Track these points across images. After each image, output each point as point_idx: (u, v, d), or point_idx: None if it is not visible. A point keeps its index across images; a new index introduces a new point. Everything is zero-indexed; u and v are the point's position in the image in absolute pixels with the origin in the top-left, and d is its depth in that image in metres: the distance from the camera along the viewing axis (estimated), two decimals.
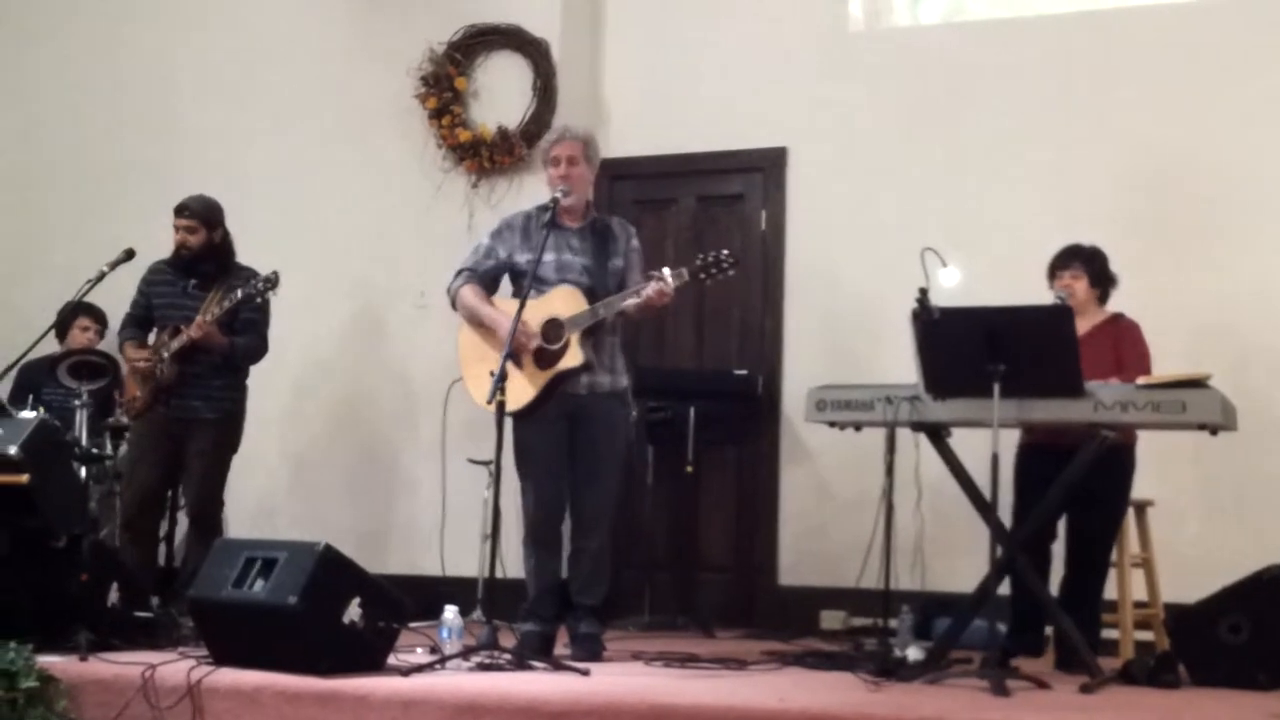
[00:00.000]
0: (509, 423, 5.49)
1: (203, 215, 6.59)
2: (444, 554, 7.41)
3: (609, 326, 5.68)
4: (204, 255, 6.60)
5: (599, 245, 5.72)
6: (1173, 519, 6.41)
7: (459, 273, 5.86)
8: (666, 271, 5.50)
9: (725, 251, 5.60)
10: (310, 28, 8.39)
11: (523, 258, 5.75)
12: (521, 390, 5.55)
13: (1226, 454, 6.13)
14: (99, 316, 7.60)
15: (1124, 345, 5.81)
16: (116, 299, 6.93)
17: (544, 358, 5.57)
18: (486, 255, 5.85)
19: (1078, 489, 5.44)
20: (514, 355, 5.48)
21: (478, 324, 5.74)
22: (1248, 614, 5.08)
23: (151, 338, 6.73)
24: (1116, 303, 5.96)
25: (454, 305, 5.85)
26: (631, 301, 5.52)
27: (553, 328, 5.57)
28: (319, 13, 8.38)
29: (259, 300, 6.47)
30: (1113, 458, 5.48)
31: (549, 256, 5.67)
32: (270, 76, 8.40)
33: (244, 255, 6.76)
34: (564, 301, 5.58)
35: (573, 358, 5.54)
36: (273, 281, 6.36)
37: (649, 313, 5.62)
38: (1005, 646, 5.37)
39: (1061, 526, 5.81)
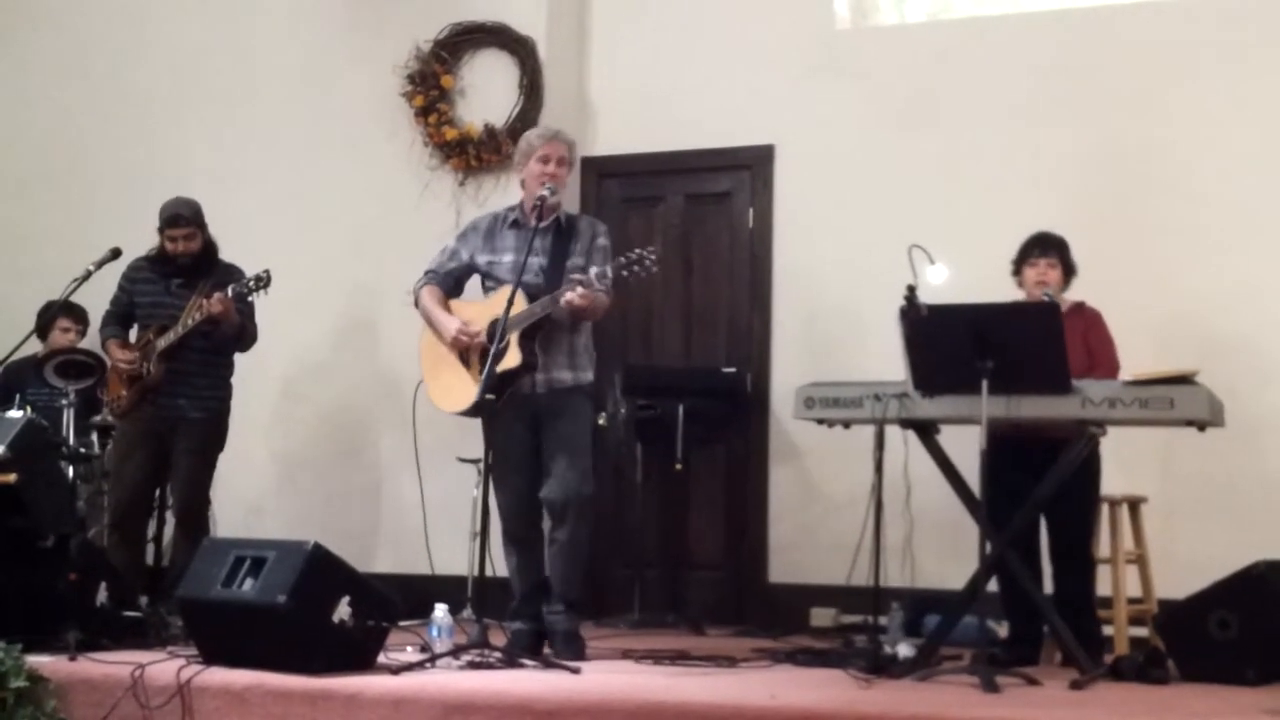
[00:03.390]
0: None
1: (197, 220, 6.58)
2: (433, 552, 7.40)
3: (566, 325, 5.66)
4: (196, 255, 6.59)
5: (559, 244, 5.73)
6: (1162, 515, 6.42)
7: (424, 274, 5.93)
8: (593, 272, 5.49)
9: (650, 249, 5.57)
10: (297, 26, 8.37)
11: (484, 259, 5.81)
12: (466, 391, 5.56)
13: (1212, 450, 6.13)
14: (80, 317, 7.55)
15: (1094, 337, 5.84)
16: (100, 299, 6.88)
17: (494, 357, 5.56)
18: (450, 257, 5.92)
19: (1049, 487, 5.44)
20: (465, 356, 5.56)
21: (431, 327, 5.81)
22: (1236, 610, 5.10)
23: (133, 336, 6.71)
24: (1095, 297, 5.96)
25: (416, 306, 5.91)
26: (560, 303, 5.50)
27: (496, 328, 5.55)
28: (306, 11, 8.37)
29: (250, 299, 6.46)
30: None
31: (509, 257, 5.71)
32: (257, 75, 8.38)
33: (230, 254, 6.74)
34: (515, 302, 5.57)
35: (510, 359, 5.53)
36: (264, 280, 6.35)
37: (584, 314, 5.58)
38: (1001, 657, 5.38)
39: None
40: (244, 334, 6.58)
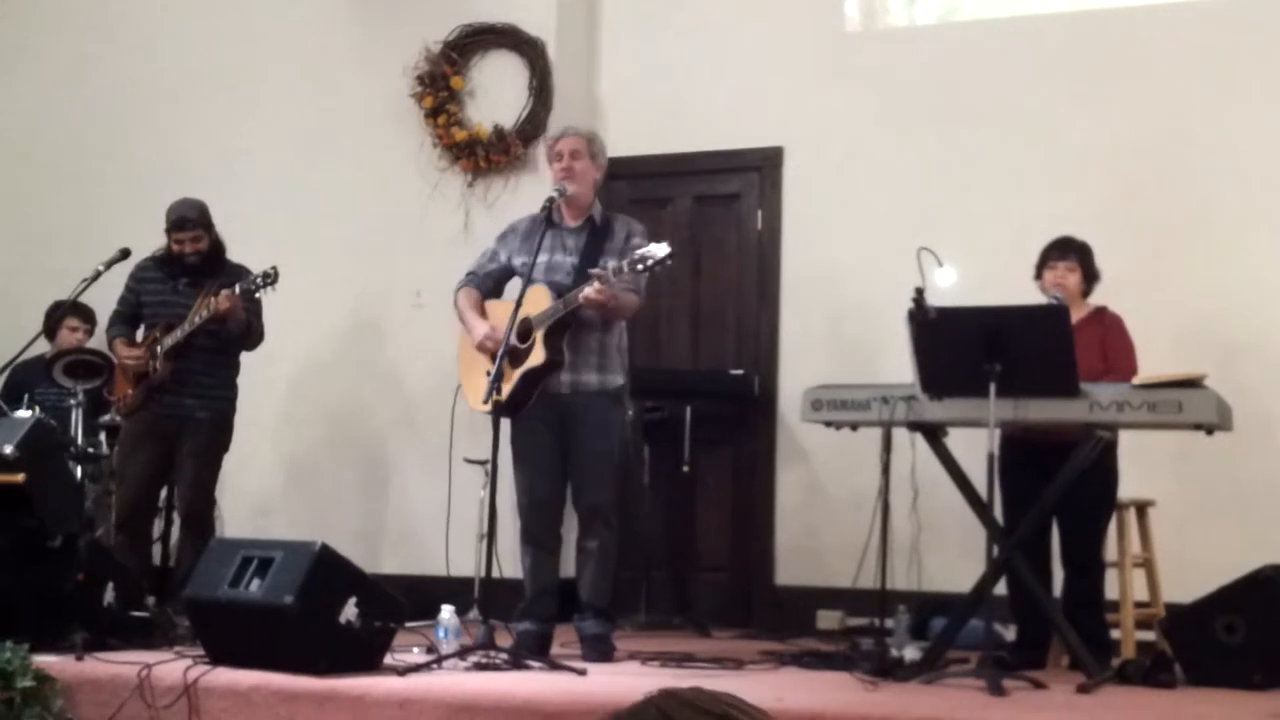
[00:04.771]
0: (505, 422, 5.51)
1: (203, 222, 6.58)
2: (441, 554, 7.40)
3: (597, 324, 5.65)
4: (205, 255, 6.60)
5: (592, 244, 5.72)
6: (1169, 519, 6.41)
7: (465, 275, 5.94)
8: (609, 266, 5.45)
9: (666, 244, 5.51)
10: (306, 27, 8.37)
11: (519, 260, 5.79)
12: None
13: (1221, 453, 6.13)
14: (88, 316, 7.56)
15: (1111, 339, 5.82)
16: (109, 300, 6.88)
17: (516, 356, 5.57)
18: (490, 259, 5.93)
19: (1065, 491, 5.43)
20: (495, 356, 5.53)
21: (465, 328, 5.81)
22: (1243, 614, 5.09)
23: (139, 335, 6.71)
24: (1108, 300, 5.96)
25: (456, 307, 5.93)
26: (580, 299, 5.49)
27: (524, 327, 5.57)
28: (315, 12, 8.37)
29: (257, 296, 6.47)
30: (1096, 458, 5.44)
31: (542, 258, 5.68)
32: (266, 76, 8.39)
33: (239, 255, 6.75)
34: (535, 300, 5.59)
35: (535, 356, 5.55)
36: (272, 277, 6.34)
37: (607, 311, 5.56)
38: (1008, 661, 5.37)
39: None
40: (250, 332, 6.58)
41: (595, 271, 5.47)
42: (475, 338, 5.71)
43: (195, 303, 6.46)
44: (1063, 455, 5.42)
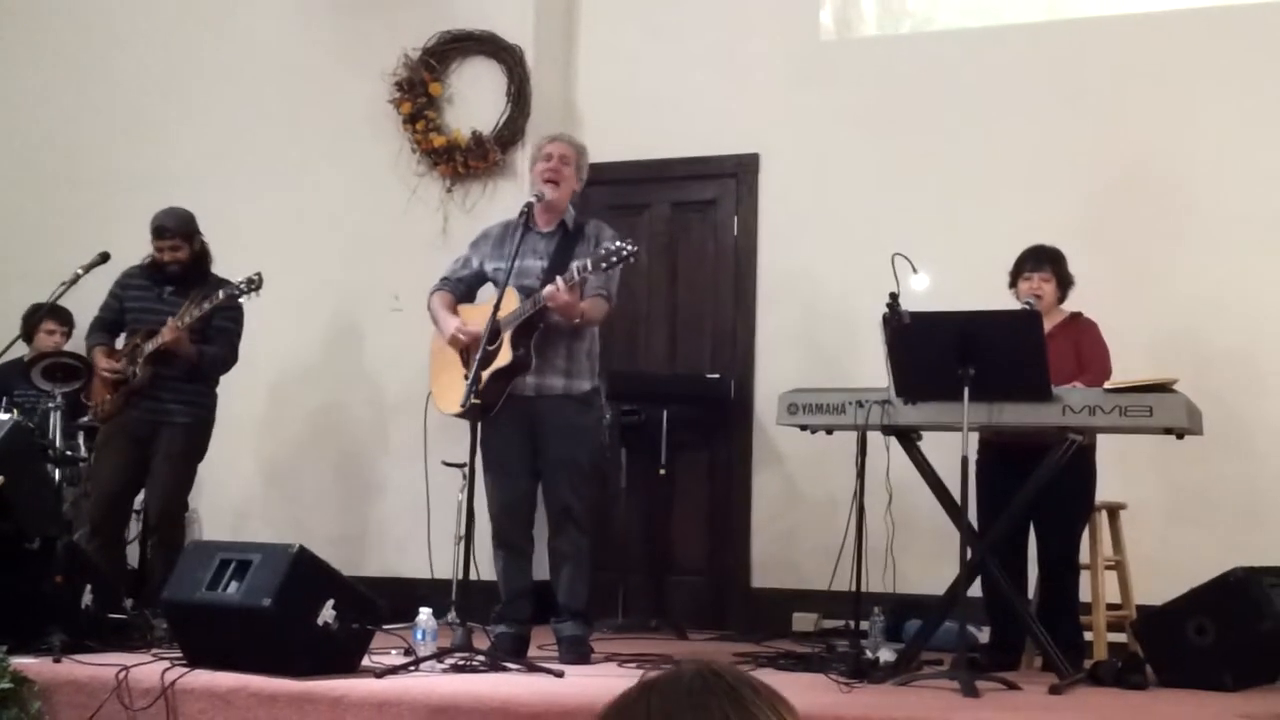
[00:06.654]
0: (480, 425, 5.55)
1: (183, 231, 6.59)
2: (418, 556, 7.41)
3: (565, 331, 5.67)
4: (186, 264, 6.60)
5: (563, 248, 5.75)
6: (1140, 522, 6.47)
7: (439, 280, 5.97)
8: (573, 266, 5.48)
9: (629, 240, 5.54)
10: (286, 33, 8.37)
11: (492, 265, 5.82)
12: (462, 392, 5.58)
13: (1192, 457, 6.19)
14: (65, 319, 7.54)
15: (1085, 344, 5.87)
16: (87, 303, 6.89)
17: (485, 358, 5.60)
18: (463, 265, 5.97)
19: (1042, 493, 5.47)
20: (466, 357, 5.58)
21: (437, 329, 5.85)
22: (1213, 616, 5.14)
23: (120, 342, 6.71)
24: (1083, 307, 6.01)
25: (429, 310, 5.95)
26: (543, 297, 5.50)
27: (494, 329, 5.60)
28: (295, 18, 8.37)
29: (239, 302, 6.47)
30: (1073, 460, 5.49)
31: (514, 263, 5.71)
32: (246, 80, 8.38)
33: (218, 259, 6.76)
34: (507, 305, 5.62)
35: (502, 356, 5.58)
36: (256, 282, 6.35)
37: (573, 315, 5.57)
38: (981, 662, 5.41)
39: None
40: (202, 362, 6.53)
41: (564, 274, 5.49)
42: (446, 332, 5.74)
43: (179, 310, 6.45)
44: (1040, 458, 5.46)
